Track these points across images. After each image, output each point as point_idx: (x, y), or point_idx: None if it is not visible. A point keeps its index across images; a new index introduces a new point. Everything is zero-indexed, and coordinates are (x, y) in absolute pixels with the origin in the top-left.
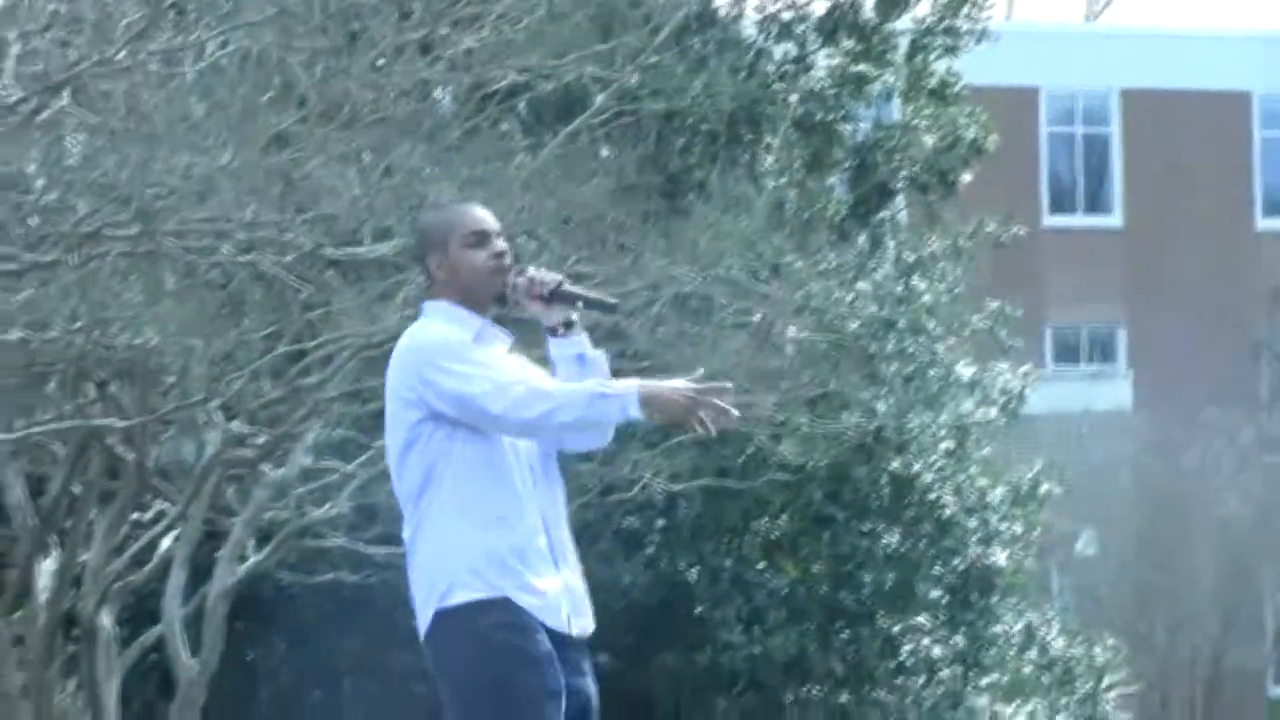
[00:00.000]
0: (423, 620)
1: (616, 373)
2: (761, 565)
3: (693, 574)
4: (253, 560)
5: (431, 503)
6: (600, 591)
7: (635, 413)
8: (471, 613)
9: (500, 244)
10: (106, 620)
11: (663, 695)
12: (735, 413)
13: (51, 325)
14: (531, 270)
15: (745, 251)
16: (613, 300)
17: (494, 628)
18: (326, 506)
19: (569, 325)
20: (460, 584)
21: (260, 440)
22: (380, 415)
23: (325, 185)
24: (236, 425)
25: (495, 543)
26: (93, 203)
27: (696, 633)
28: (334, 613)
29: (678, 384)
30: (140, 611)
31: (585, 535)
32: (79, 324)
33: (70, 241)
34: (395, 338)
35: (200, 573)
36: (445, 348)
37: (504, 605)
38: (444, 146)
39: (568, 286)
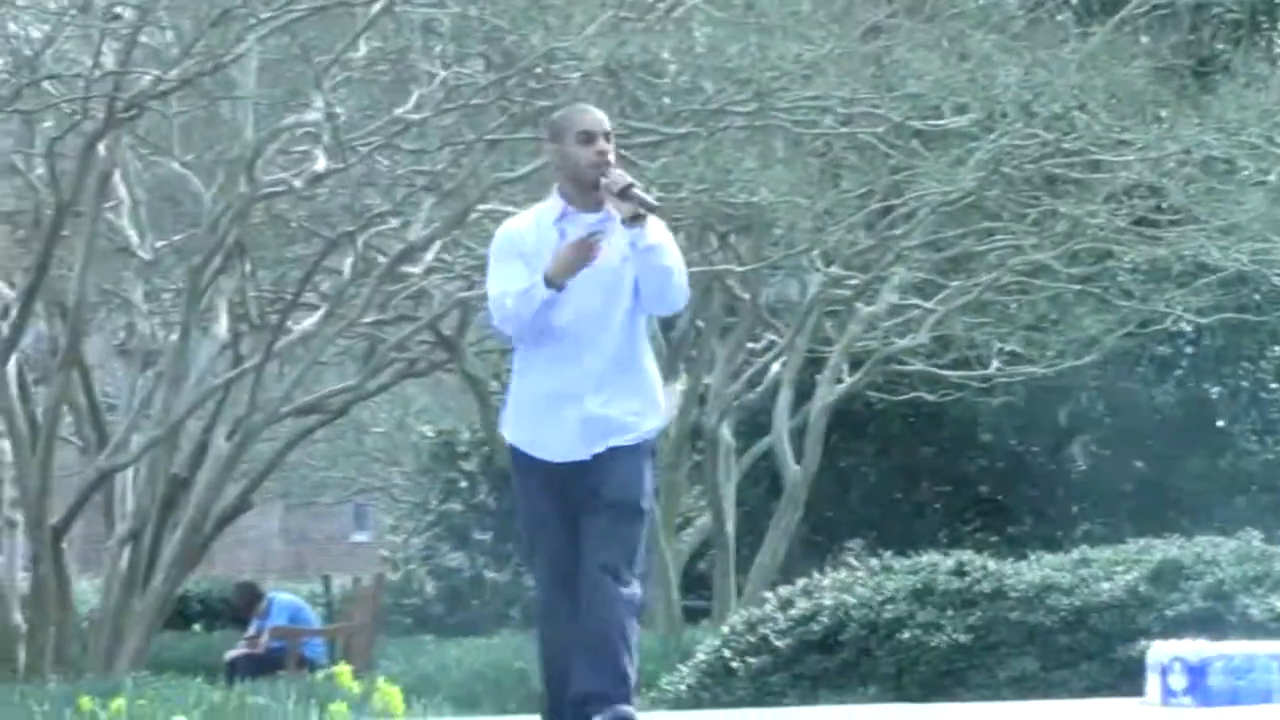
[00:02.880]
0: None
1: (1151, 224)
2: (1275, 385)
3: (1215, 393)
4: (847, 382)
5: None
6: (1139, 408)
7: (545, 291)
8: (508, 451)
9: (603, 144)
10: (726, 433)
11: (1190, 494)
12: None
13: (682, 187)
14: (614, 172)
15: (1263, 120)
16: (655, 203)
17: (511, 462)
18: (909, 337)
19: (636, 218)
20: (505, 430)
21: (854, 282)
22: (956, 260)
23: (911, 68)
24: (834, 269)
25: (521, 396)
26: (717, 84)
27: (1218, 442)
28: (914, 426)
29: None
30: (753, 425)
31: (1125, 361)
32: (704, 186)
33: (699, 117)
34: (968, 195)
35: (803, 393)
36: (497, 247)
37: (511, 449)
38: (1010, 35)
39: (635, 190)
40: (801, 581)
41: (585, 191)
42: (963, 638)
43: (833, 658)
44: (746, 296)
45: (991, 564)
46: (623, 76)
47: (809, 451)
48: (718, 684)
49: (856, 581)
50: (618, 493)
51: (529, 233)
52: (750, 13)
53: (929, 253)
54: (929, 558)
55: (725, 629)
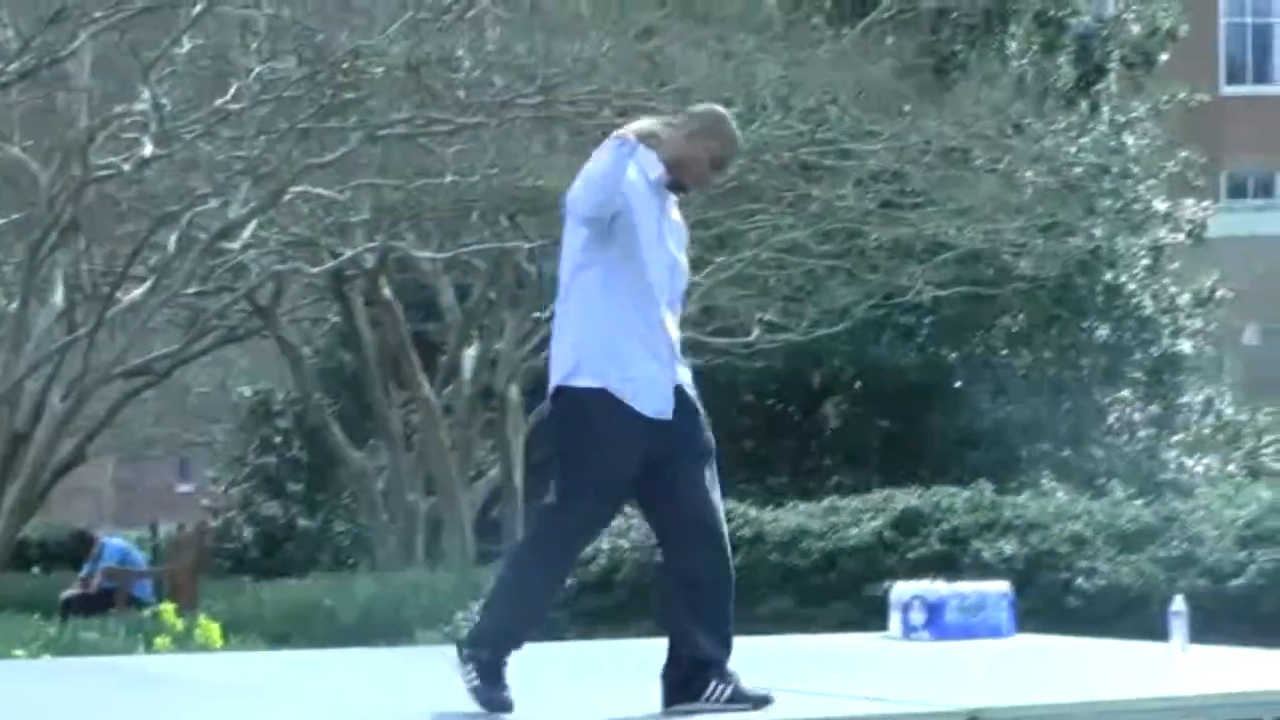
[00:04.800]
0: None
1: (896, 206)
2: (1005, 352)
3: (953, 358)
4: None
5: (572, 294)
6: (884, 372)
7: (615, 150)
8: (581, 395)
9: (718, 178)
10: (514, 393)
11: (930, 449)
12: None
13: (475, 171)
14: None
15: (996, 115)
16: None
17: (600, 409)
18: None
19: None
20: (581, 370)
21: None
22: (721, 238)
23: (681, 65)
24: None
25: (621, 349)
26: (507, 78)
27: (955, 402)
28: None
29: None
30: (540, 387)
31: (872, 329)
32: (496, 170)
33: (490, 108)
34: (732, 180)
35: None
36: None
37: (603, 397)
38: (770, 36)
39: None
40: None
41: (672, 185)
42: None
43: (609, 596)
44: (534, 270)
45: (752, 512)
46: (421, 71)
47: None
48: None
49: (631, 527)
50: (708, 442)
51: (631, 173)
52: (535, 14)
53: (697, 231)
54: None
55: None
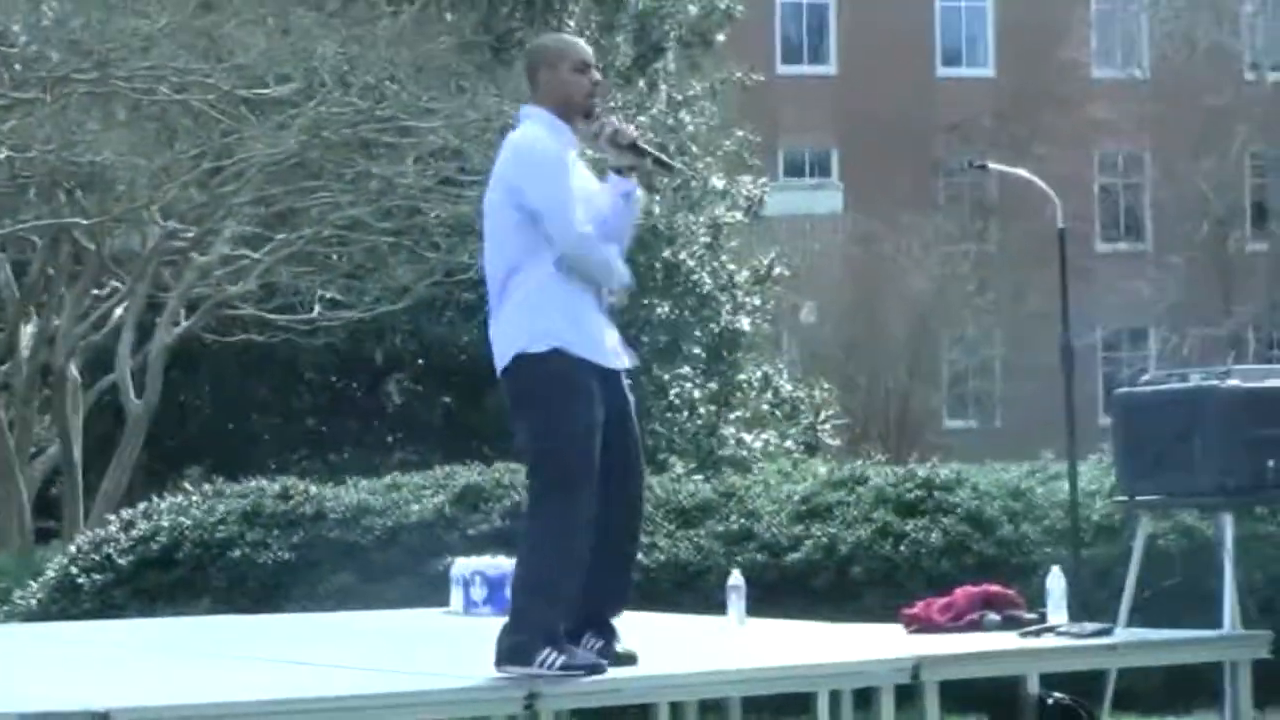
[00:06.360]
0: (503, 359)
1: (455, 183)
2: None
3: None
4: (184, 325)
5: (518, 284)
6: (446, 349)
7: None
8: (536, 358)
9: (596, 75)
10: (73, 370)
11: (490, 425)
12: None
13: (31, 147)
14: (617, 121)
15: None
16: (676, 164)
17: (562, 373)
18: (239, 284)
19: (630, 169)
20: (536, 338)
21: (190, 234)
22: (281, 215)
23: (239, 42)
24: (172, 223)
25: (570, 308)
26: (63, 54)
27: None
28: (245, 364)
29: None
30: (98, 363)
31: (434, 307)
32: (52, 146)
33: (46, 83)
34: (292, 157)
35: (144, 334)
36: (546, 160)
37: (565, 358)
38: (328, 12)
39: (641, 143)
40: (142, 505)
41: (573, 118)
42: (287, 555)
43: (169, 574)
44: (92, 247)
45: (314, 488)
46: None
47: (149, 387)
48: (65, 598)
49: (192, 505)
50: (635, 418)
51: (564, 154)
52: None
53: (257, 208)
54: (257, 483)
55: (73, 548)
